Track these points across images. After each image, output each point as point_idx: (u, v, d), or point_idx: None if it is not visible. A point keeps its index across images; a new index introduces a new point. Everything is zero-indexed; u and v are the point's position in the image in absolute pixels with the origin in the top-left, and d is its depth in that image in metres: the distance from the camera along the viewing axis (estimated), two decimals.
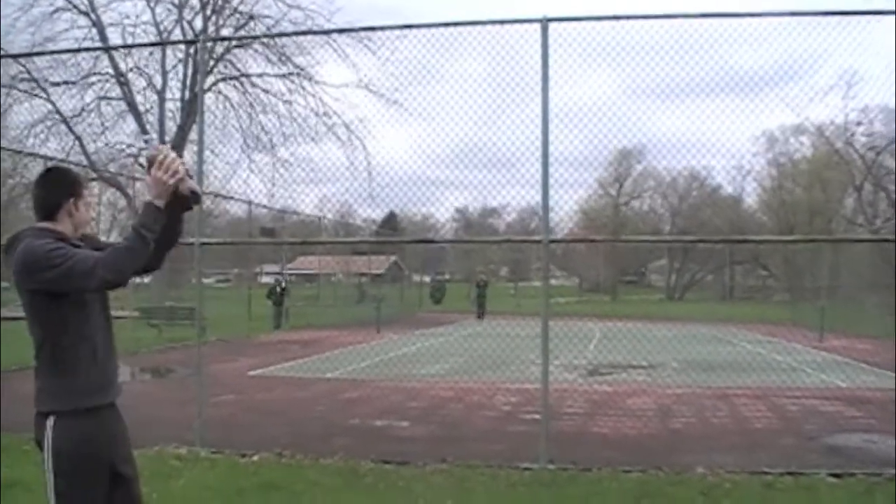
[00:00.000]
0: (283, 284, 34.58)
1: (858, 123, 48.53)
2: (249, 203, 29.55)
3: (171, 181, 3.91)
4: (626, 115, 10.06)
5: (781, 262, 53.63)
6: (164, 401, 13.71)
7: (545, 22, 9.22)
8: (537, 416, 10.10)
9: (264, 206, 30.93)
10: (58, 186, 4.10)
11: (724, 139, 10.29)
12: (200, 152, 10.67)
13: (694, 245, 60.09)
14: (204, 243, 10.44)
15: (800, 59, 10.14)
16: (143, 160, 4.06)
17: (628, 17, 9.19)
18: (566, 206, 14.89)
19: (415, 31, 10.02)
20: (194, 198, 4.03)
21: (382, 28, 11.19)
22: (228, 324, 29.22)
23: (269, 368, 19.13)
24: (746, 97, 10.15)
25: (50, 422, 3.86)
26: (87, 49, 34.23)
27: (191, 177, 4.04)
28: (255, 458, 9.40)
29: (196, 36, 35.62)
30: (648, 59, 9.79)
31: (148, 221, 3.85)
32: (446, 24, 9.86)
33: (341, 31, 29.93)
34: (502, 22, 9.47)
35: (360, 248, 45.81)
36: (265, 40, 36.00)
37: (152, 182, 3.91)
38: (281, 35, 37.69)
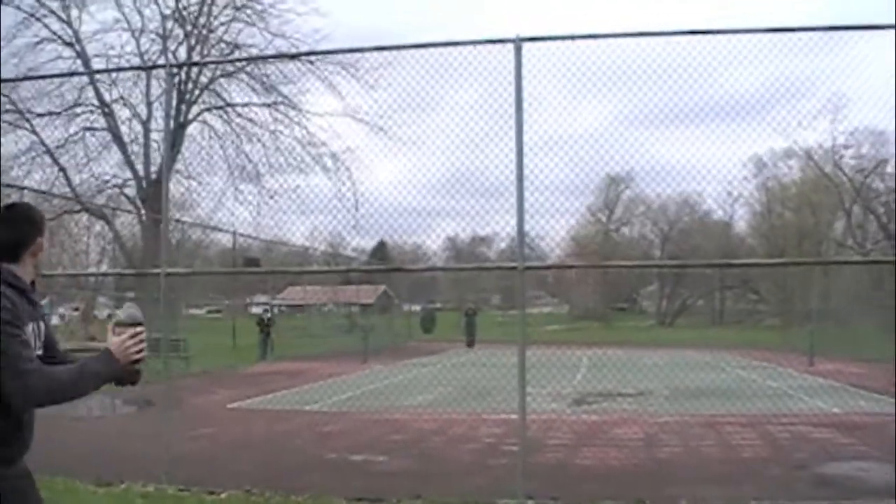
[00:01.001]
0: (269, 315, 34.27)
1: (846, 146, 48.72)
2: (234, 233, 29.29)
3: (135, 357, 3.56)
4: (614, 140, 9.91)
5: (772, 286, 53.55)
6: (140, 435, 13.35)
7: (518, 42, 8.99)
8: (516, 448, 9.78)
9: (251, 237, 30.69)
10: (27, 224, 3.77)
11: (714, 164, 10.18)
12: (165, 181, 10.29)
13: (684, 270, 60.07)
14: (169, 273, 10.12)
15: (787, 82, 10.04)
16: (116, 320, 3.85)
17: (605, 36, 8.97)
18: (556, 234, 14.65)
19: (400, 58, 9.81)
20: (133, 378, 3.71)
21: (353, 50, 10.98)
22: (214, 355, 28.89)
23: (250, 401, 18.77)
24: (734, 122, 10.00)
25: None
26: (61, 75, 33.89)
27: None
28: (224, 495, 9.05)
29: (171, 65, 35.49)
30: (636, 84, 9.70)
31: (102, 370, 3.50)
32: (420, 46, 9.64)
33: (310, 53, 29.69)
34: (475, 43, 9.23)
35: (349, 278, 45.62)
36: (249, 69, 35.85)
37: (121, 346, 3.52)
38: (252, 59, 37.47)
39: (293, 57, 32.76)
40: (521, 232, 9.01)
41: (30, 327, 3.53)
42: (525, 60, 9.11)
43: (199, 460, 10.84)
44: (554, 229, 11.24)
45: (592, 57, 9.31)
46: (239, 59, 38.31)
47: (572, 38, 8.98)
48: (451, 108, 10.16)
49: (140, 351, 3.58)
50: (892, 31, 9.06)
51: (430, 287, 73.71)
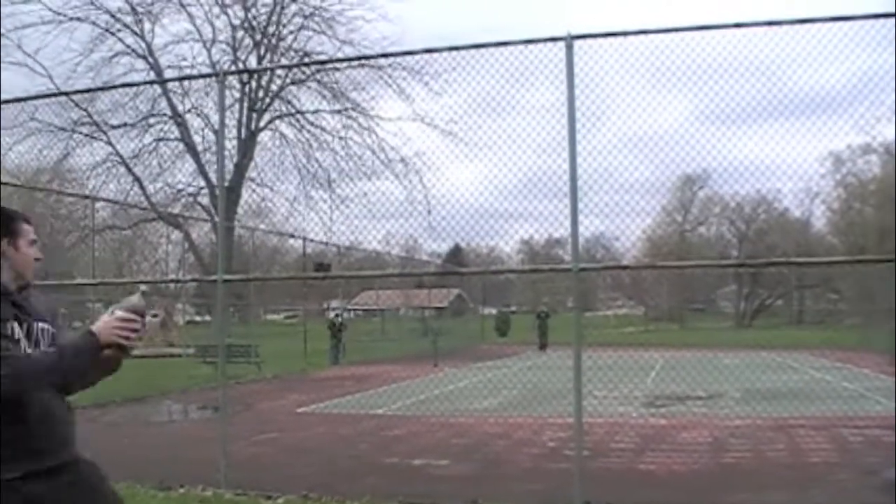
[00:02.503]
0: (341, 319, 34.44)
1: None
2: (304, 239, 29.52)
3: (117, 341, 3.55)
4: (689, 138, 9.77)
5: (853, 285, 52.37)
6: (205, 439, 13.48)
7: (570, 40, 8.89)
8: (585, 453, 9.63)
9: (322, 243, 30.87)
10: None
11: (791, 161, 9.96)
12: (220, 184, 10.36)
13: (762, 270, 59.12)
14: (226, 280, 10.18)
15: (865, 76, 9.76)
16: (120, 309, 3.84)
17: (657, 32, 8.82)
18: (632, 234, 14.55)
19: (466, 61, 9.78)
20: (111, 363, 3.68)
21: (410, 52, 10.94)
22: (287, 359, 29.13)
23: (318, 405, 18.86)
24: (811, 117, 9.78)
25: None
26: (133, 84, 34.42)
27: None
28: (280, 500, 9.09)
29: (241, 71, 35.93)
30: (710, 80, 9.52)
31: (80, 345, 3.52)
32: (473, 47, 9.59)
33: (375, 56, 29.67)
34: (527, 42, 9.16)
35: (422, 282, 45.73)
36: (318, 76, 36.16)
37: (106, 325, 3.54)
38: (320, 63, 37.75)
39: (358, 60, 32.91)
40: (575, 233, 8.90)
41: (11, 326, 3.51)
42: (598, 58, 9.07)
43: (260, 464, 10.94)
44: (630, 229, 11.16)
45: (666, 52, 9.21)
46: (307, 64, 38.70)
47: (624, 34, 8.86)
48: (523, 109, 10.10)
49: (127, 338, 3.56)
50: None
51: (505, 289, 73.63)
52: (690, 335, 50.77)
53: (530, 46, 9.37)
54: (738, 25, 9.00)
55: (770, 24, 9.01)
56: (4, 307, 3.57)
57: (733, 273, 65.80)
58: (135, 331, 3.59)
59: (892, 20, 9.08)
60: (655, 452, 12.20)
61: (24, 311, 3.65)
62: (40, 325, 3.69)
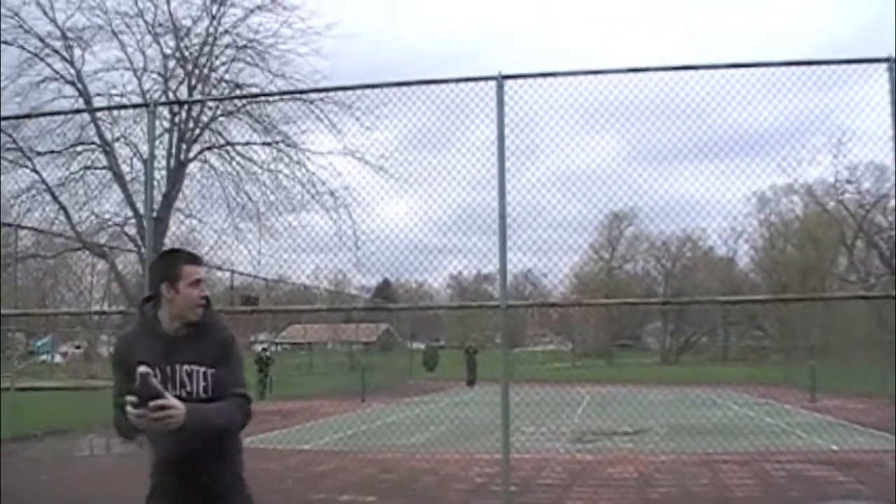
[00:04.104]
0: (269, 353, 34.12)
1: (848, 181, 48.65)
2: (231, 272, 29.23)
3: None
4: (617, 177, 9.93)
5: (776, 322, 53.31)
6: (131, 475, 13.22)
7: (500, 79, 9.00)
8: (512, 489, 9.65)
9: (250, 276, 30.57)
10: (151, 272, 4.35)
11: (716, 200, 10.20)
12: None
13: (688, 307, 59.95)
14: None
15: (787, 119, 10.06)
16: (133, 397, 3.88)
17: (585, 73, 8.99)
18: (560, 271, 14.68)
19: (396, 98, 9.84)
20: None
21: (345, 88, 10.99)
22: None
23: (245, 440, 18.59)
24: (737, 158, 10.05)
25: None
26: (61, 112, 33.94)
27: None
28: None
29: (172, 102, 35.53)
30: (640, 121, 9.73)
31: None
32: (405, 84, 9.65)
33: (307, 91, 29.63)
34: (458, 80, 9.25)
35: (351, 316, 45.49)
36: (249, 108, 35.89)
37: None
38: (245, 96, 37.50)
39: (290, 93, 32.74)
40: (503, 270, 8.97)
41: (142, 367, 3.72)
42: (529, 97, 9.20)
43: None
44: (558, 266, 11.25)
45: (594, 94, 9.37)
46: (238, 97, 38.35)
47: (554, 74, 9.00)
48: (454, 145, 10.17)
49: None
50: (886, 65, 9.18)
51: (433, 325, 73.54)
52: (617, 371, 51.19)
53: (461, 84, 9.47)
54: (664, 69, 9.21)
55: (696, 67, 9.25)
56: (145, 350, 3.94)
57: (659, 310, 66.53)
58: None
59: (815, 67, 9.39)
60: (583, 488, 12.26)
61: (172, 355, 3.98)
62: (186, 367, 3.98)
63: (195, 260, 4.21)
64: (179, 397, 3.90)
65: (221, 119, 37.73)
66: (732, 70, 9.38)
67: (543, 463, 14.23)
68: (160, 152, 36.76)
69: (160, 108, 34.15)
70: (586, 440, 18.40)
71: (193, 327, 4.07)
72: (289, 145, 35.91)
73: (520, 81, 9.25)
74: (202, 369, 4.01)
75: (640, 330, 79.31)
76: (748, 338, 68.09)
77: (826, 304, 35.13)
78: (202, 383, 4.01)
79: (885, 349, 26.66)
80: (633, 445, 17.34)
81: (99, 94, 37.38)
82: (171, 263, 4.10)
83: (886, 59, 9.20)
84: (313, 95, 31.32)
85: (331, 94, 28.78)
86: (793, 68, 9.55)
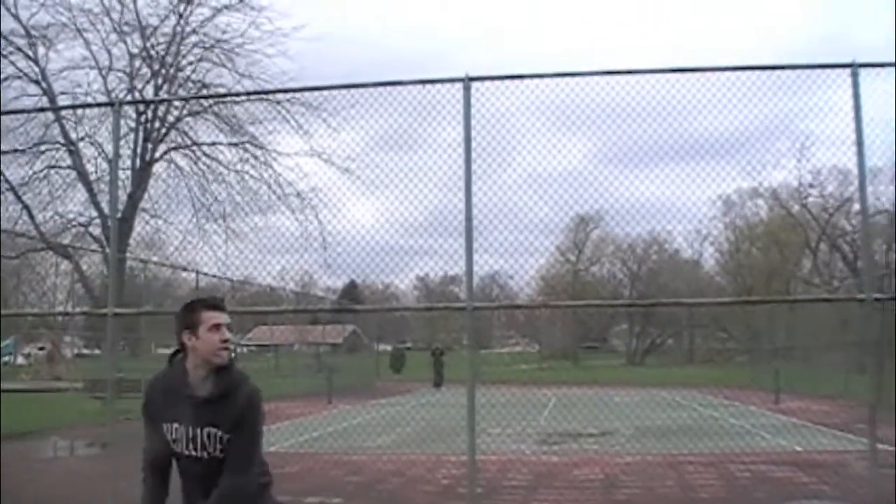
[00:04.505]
0: (234, 354, 33.89)
1: (812, 185, 49.18)
2: (197, 272, 29.03)
3: None
4: (585, 180, 9.96)
5: (741, 325, 53.67)
6: (95, 477, 13.11)
7: (467, 81, 9.00)
8: (478, 490, 9.64)
9: (216, 277, 30.37)
10: (175, 322, 4.29)
11: (682, 203, 10.27)
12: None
13: (653, 309, 60.21)
14: (117, 314, 9.98)
15: (752, 124, 10.15)
16: None
17: (552, 76, 9.01)
18: (526, 273, 14.72)
19: (369, 97, 9.82)
20: None
21: (314, 88, 10.94)
22: None
23: None
24: (702, 161, 10.10)
25: None
26: (24, 111, 33.59)
27: None
28: None
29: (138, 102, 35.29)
30: (607, 125, 9.77)
31: None
32: (372, 85, 9.64)
33: (276, 91, 29.56)
34: (424, 82, 9.24)
35: (317, 318, 45.34)
36: (216, 109, 35.69)
37: None
38: (211, 96, 37.35)
39: (257, 94, 32.60)
40: (469, 272, 8.97)
41: (171, 426, 4.07)
42: (503, 99, 9.22)
43: None
44: (524, 268, 11.29)
45: (560, 96, 9.40)
46: (205, 96, 38.16)
47: (521, 77, 9.01)
48: (421, 147, 10.17)
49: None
50: (849, 70, 9.28)
51: (400, 326, 73.47)
52: (584, 373, 51.28)
53: (429, 86, 9.46)
54: (631, 72, 9.25)
55: (662, 71, 9.30)
56: (172, 409, 4.09)
57: (625, 312, 66.82)
58: None
59: (780, 72, 9.48)
60: (548, 490, 12.27)
61: (197, 416, 4.08)
62: (208, 430, 4.04)
63: (215, 306, 4.27)
64: (200, 458, 4.08)
65: (188, 119, 37.51)
66: (698, 74, 9.46)
67: (509, 464, 14.25)
68: (125, 152, 36.52)
69: (126, 108, 33.94)
70: (552, 442, 18.44)
71: (220, 385, 4.15)
72: (256, 146, 35.75)
73: (486, 83, 9.26)
74: (219, 433, 4.08)
75: (607, 332, 79.62)
76: (713, 340, 68.56)
77: (790, 306, 35.50)
78: (218, 446, 4.09)
79: (849, 351, 26.91)
80: (598, 447, 17.40)
81: (64, 93, 37.03)
82: (190, 311, 4.19)
83: (850, 65, 9.32)
84: (280, 96, 31.29)
85: (298, 95, 28.75)
86: (758, 73, 9.65)
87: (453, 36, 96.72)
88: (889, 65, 9.60)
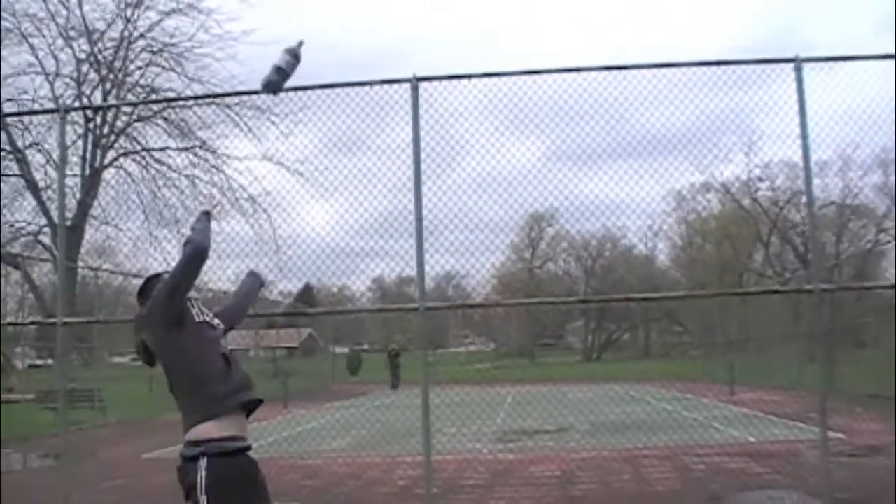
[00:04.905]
0: None
1: (761, 179, 49.78)
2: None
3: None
4: (539, 178, 10.01)
5: (695, 318, 54.16)
6: (49, 489, 12.96)
7: (415, 82, 9.01)
8: (434, 490, 9.64)
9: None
10: None
11: (634, 199, 10.35)
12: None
13: (609, 305, 60.62)
14: (67, 322, 9.87)
15: (701, 118, 10.25)
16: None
17: (500, 75, 9.05)
18: (479, 273, 14.74)
19: (317, 100, 9.79)
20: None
21: (254, 92, 10.89)
22: (132, 404, 28.31)
23: (165, 450, 18.31)
24: (653, 157, 10.19)
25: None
26: None
27: None
28: None
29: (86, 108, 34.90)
30: (559, 122, 9.81)
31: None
32: (320, 87, 9.61)
33: (225, 95, 29.36)
34: (372, 83, 9.23)
35: (273, 322, 45.12)
36: (166, 114, 35.37)
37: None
38: (160, 101, 37.05)
39: (207, 98, 32.34)
40: (421, 273, 8.97)
41: None
42: (453, 98, 9.25)
43: None
44: (479, 267, 11.31)
45: (506, 94, 9.46)
46: (154, 101, 37.76)
47: (468, 76, 9.04)
48: (371, 149, 10.17)
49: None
50: (793, 65, 9.41)
51: (357, 328, 73.33)
52: (540, 370, 51.51)
53: (381, 87, 9.47)
54: (580, 70, 9.30)
55: (610, 68, 9.37)
56: None
57: (581, 308, 67.19)
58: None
59: (729, 67, 9.61)
60: (505, 488, 12.30)
61: None
62: None
63: None
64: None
65: (137, 124, 37.12)
66: (645, 70, 9.56)
67: (466, 464, 14.25)
68: (74, 159, 36.09)
69: (74, 114, 33.56)
70: (509, 440, 18.48)
71: None
72: (206, 150, 35.45)
73: (435, 84, 9.27)
74: None
75: (563, 329, 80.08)
76: (668, 334, 69.20)
77: (743, 299, 35.83)
78: None
79: (801, 342, 27.23)
80: (554, 443, 17.47)
81: (9, 100, 36.52)
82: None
83: (793, 60, 9.46)
84: (230, 100, 31.12)
85: (248, 98, 28.63)
86: (707, 69, 9.76)
87: (409, 37, 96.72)
88: (832, 59, 9.75)
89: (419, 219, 8.91)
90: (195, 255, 4.82)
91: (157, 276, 5.02)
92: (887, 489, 10.05)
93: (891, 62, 9.51)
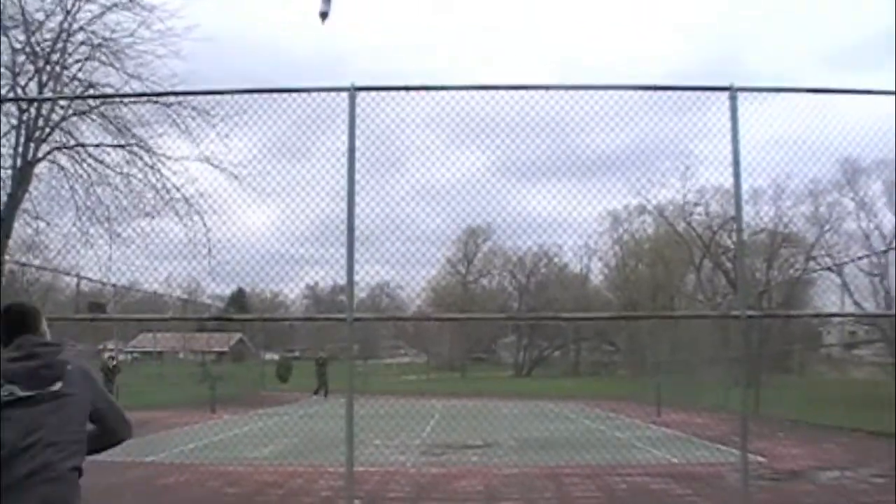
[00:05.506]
0: (115, 361, 33.19)
1: (696, 204, 50.56)
2: (78, 277, 28.30)
3: None
4: (476, 192, 10.04)
5: (626, 338, 54.71)
6: None
7: (353, 91, 8.98)
8: (356, 502, 9.57)
9: (99, 282, 29.63)
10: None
11: (572, 218, 10.40)
12: None
13: (541, 322, 60.98)
14: None
15: (640, 142, 10.39)
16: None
17: (437, 88, 9.06)
18: (417, 285, 14.69)
19: (253, 104, 9.72)
20: None
21: (193, 93, 10.81)
22: None
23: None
24: (592, 178, 10.27)
25: None
26: None
27: None
28: None
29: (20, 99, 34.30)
30: (499, 138, 9.86)
31: None
32: (259, 91, 9.55)
33: (166, 94, 29.08)
34: (309, 90, 9.20)
35: (203, 325, 44.74)
36: (103, 109, 34.87)
37: None
38: (98, 96, 36.61)
39: (145, 96, 31.97)
40: (350, 283, 8.94)
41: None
42: (393, 109, 9.26)
43: None
44: (414, 279, 11.30)
45: (449, 107, 9.48)
46: (91, 96, 37.21)
47: (406, 88, 9.04)
48: (312, 155, 10.11)
49: None
50: (727, 93, 9.55)
51: (288, 335, 72.86)
52: (471, 384, 51.58)
53: (323, 94, 9.45)
54: (518, 87, 9.36)
55: (548, 88, 9.44)
56: None
57: (514, 324, 67.50)
58: None
59: (669, 92, 9.74)
60: (428, 501, 12.26)
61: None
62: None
63: None
64: None
65: (73, 119, 36.49)
66: (585, 92, 9.64)
67: (389, 476, 14.20)
68: (6, 150, 35.42)
69: (7, 105, 32.95)
70: (435, 453, 18.43)
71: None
72: (143, 149, 34.97)
73: (373, 94, 9.27)
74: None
75: (495, 344, 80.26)
76: (599, 353, 69.73)
77: (674, 321, 36.24)
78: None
79: (728, 366, 27.60)
80: (479, 459, 17.45)
81: None
82: None
83: (728, 88, 9.62)
84: (170, 99, 30.76)
85: (188, 98, 28.33)
86: (648, 93, 9.89)
87: (359, 44, 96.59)
88: (767, 89, 9.94)
89: (351, 229, 8.89)
90: (119, 442, 4.76)
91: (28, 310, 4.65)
92: None
93: (823, 96, 9.72)
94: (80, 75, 37.51)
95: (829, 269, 37.76)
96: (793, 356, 32.51)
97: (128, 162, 34.87)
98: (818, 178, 39.07)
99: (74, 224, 33.69)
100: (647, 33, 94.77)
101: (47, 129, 35.94)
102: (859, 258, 37.65)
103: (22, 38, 36.73)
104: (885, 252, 36.17)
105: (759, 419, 21.17)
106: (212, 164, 28.06)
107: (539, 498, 12.63)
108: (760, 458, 15.73)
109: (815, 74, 75.72)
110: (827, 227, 45.84)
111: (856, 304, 33.57)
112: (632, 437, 21.81)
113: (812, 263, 45.69)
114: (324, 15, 6.52)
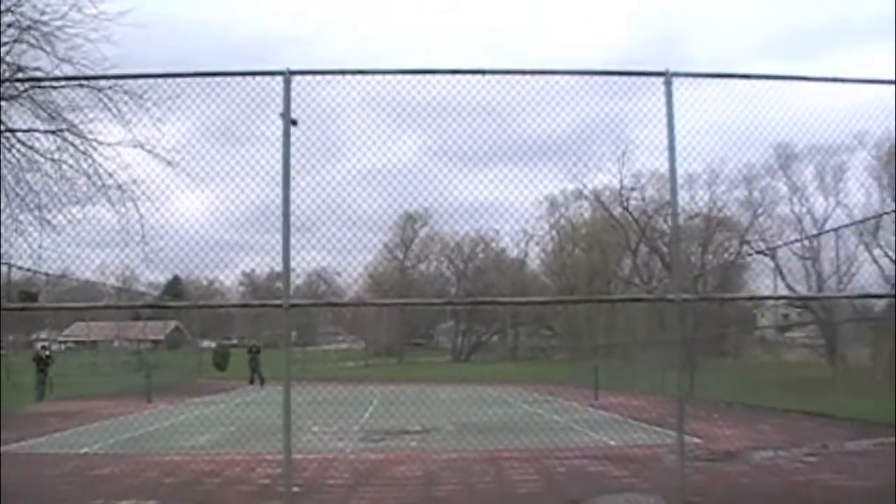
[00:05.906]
0: (48, 352, 32.72)
1: (632, 189, 51.01)
2: (9, 266, 27.79)
3: None
4: (413, 178, 10.00)
5: (563, 323, 55.12)
6: None
7: (288, 75, 8.90)
8: (295, 489, 9.53)
9: (30, 271, 29.16)
10: None
11: (509, 203, 10.42)
12: None
13: (479, 307, 61.15)
14: None
15: (577, 127, 10.39)
16: None
17: (373, 73, 9.02)
18: (354, 270, 14.68)
19: (187, 89, 9.59)
20: None
21: (125, 77, 10.64)
22: None
23: (20, 444, 17.71)
24: (529, 163, 10.29)
25: None
26: None
27: None
28: None
29: None
30: (435, 123, 9.82)
31: None
32: (192, 75, 9.42)
33: (99, 77, 28.63)
34: (244, 74, 9.09)
35: (139, 313, 44.21)
36: (33, 94, 34.20)
37: None
38: (27, 80, 35.91)
39: (76, 80, 31.44)
40: (286, 269, 8.88)
41: None
42: (331, 93, 9.21)
43: None
44: (351, 265, 11.25)
45: (386, 91, 9.45)
46: (20, 80, 36.43)
47: (342, 72, 8.98)
48: (247, 140, 10.01)
49: None
50: (662, 78, 9.60)
51: (225, 322, 72.37)
52: (409, 370, 51.67)
53: (258, 78, 9.36)
54: (453, 72, 9.33)
55: (485, 72, 9.45)
56: None
57: (452, 310, 67.62)
58: None
59: (606, 77, 9.78)
60: (367, 488, 12.23)
61: None
62: None
63: None
64: None
65: (1, 104, 35.79)
66: (526, 76, 9.65)
67: (328, 463, 14.14)
68: None
69: None
70: (374, 439, 18.42)
71: None
72: (75, 134, 34.39)
73: (307, 78, 9.20)
74: None
75: (433, 329, 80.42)
76: (537, 337, 70.20)
77: (611, 305, 36.57)
78: None
79: (664, 349, 27.90)
80: (419, 444, 17.47)
81: None
82: None
83: (663, 73, 9.67)
84: (102, 83, 30.23)
85: (121, 83, 27.88)
86: (585, 78, 9.93)
87: (296, 30, 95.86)
88: (701, 75, 10.01)
89: (286, 214, 8.83)
90: None
91: None
92: (741, 494, 10.34)
93: (757, 82, 9.82)
94: (7, 58, 36.76)
95: (762, 252, 38.34)
96: (727, 339, 32.96)
97: (59, 148, 34.26)
98: (752, 163, 39.77)
99: (4, 211, 33.10)
100: (588, 18, 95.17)
101: None
102: (792, 242, 38.34)
103: None
104: (817, 236, 36.87)
105: (695, 401, 21.44)
106: (145, 150, 27.66)
107: (478, 482, 12.66)
108: (697, 440, 15.96)
109: (749, 62, 76.73)
110: (760, 211, 46.65)
111: (788, 287, 34.15)
112: (570, 421, 21.97)
113: (746, 247, 46.38)
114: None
